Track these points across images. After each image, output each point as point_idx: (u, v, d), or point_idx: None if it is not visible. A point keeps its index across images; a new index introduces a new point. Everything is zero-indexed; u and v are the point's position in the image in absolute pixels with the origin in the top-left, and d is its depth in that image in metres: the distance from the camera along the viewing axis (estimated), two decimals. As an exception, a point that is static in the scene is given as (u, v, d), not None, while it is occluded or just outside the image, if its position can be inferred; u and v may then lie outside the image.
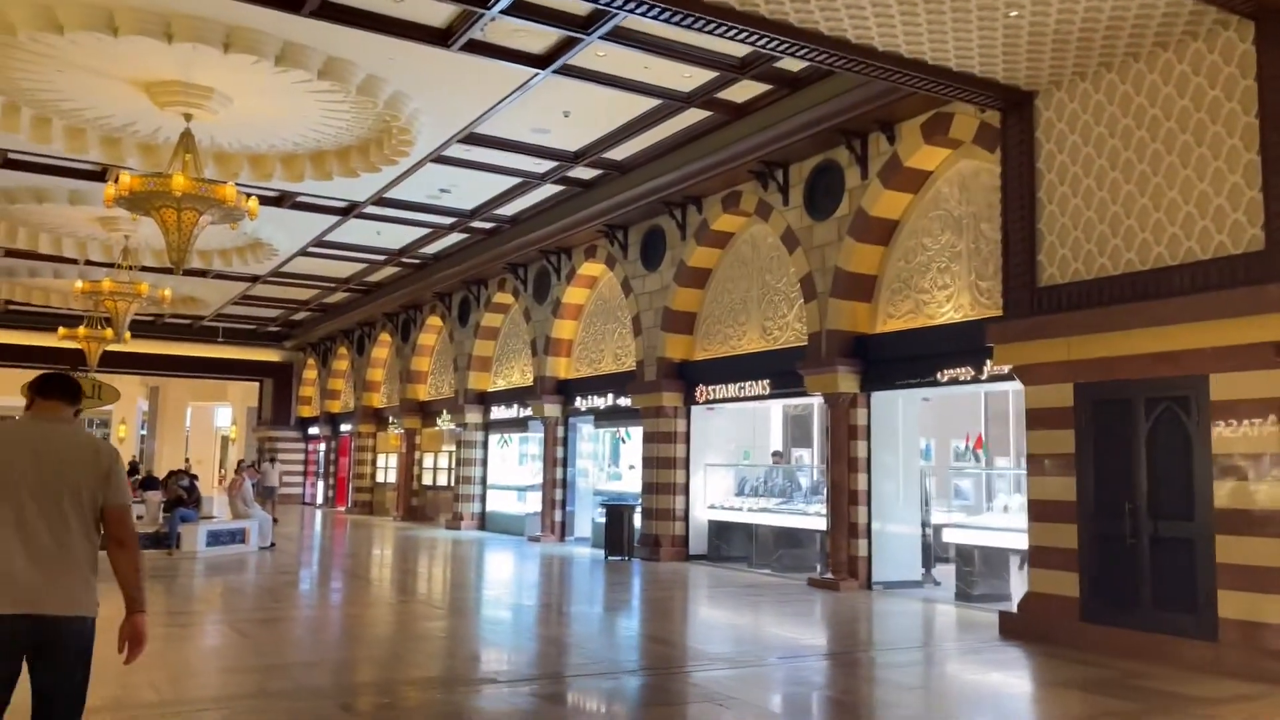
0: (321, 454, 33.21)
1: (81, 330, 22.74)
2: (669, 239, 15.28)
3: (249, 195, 12.44)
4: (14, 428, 3.71)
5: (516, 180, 15.43)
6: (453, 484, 22.98)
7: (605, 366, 17.67)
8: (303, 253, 20.32)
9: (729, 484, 15.26)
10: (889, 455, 11.97)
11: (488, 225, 18.25)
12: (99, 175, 15.11)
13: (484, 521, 21.53)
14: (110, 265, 18.95)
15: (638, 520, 15.28)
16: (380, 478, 28.17)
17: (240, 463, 36.68)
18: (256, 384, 35.32)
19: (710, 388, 14.69)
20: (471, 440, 21.84)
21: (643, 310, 15.79)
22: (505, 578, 13.80)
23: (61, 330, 22.96)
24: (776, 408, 15.82)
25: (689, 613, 10.91)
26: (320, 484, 32.89)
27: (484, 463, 21.85)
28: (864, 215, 11.81)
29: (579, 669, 7.48)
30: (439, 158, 14.04)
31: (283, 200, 16.41)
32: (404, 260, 21.47)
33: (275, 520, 18.66)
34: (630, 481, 17.57)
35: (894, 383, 11.71)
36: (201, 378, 35.25)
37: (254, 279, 23.28)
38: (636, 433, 16.85)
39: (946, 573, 12.54)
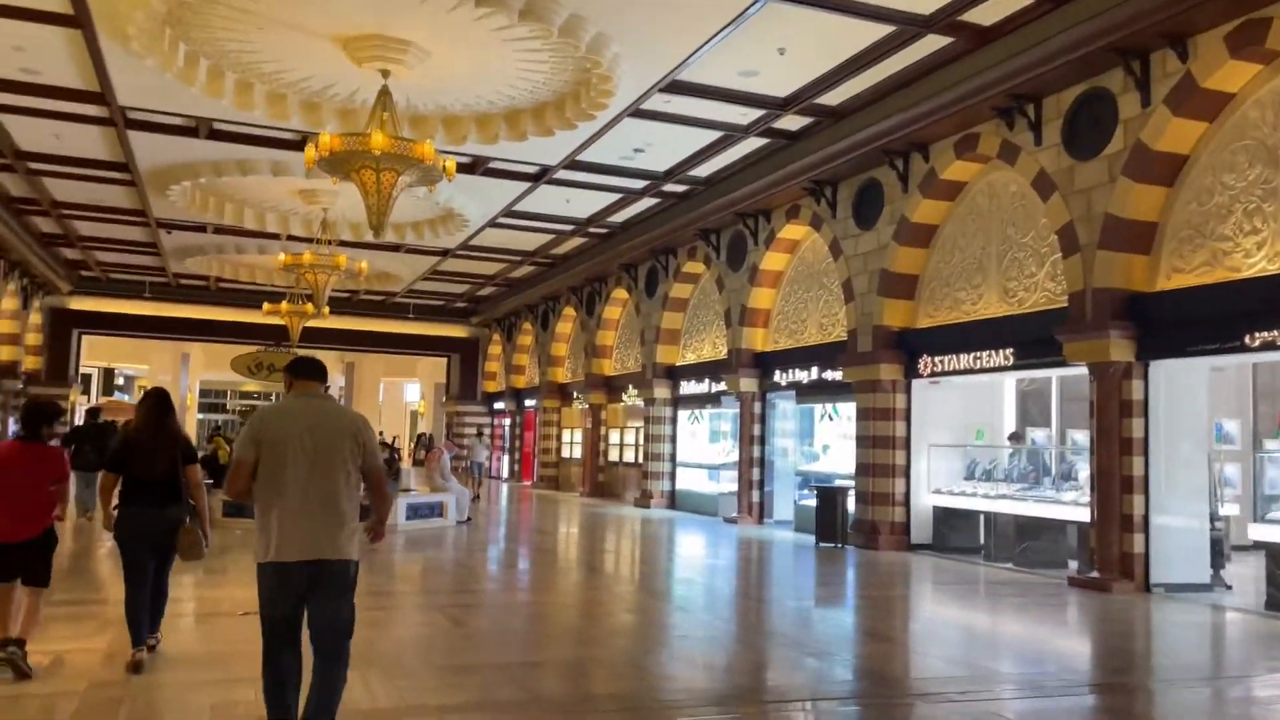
0: (507, 429, 33.45)
1: (284, 305, 23.38)
2: (887, 193, 13.71)
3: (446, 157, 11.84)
4: (288, 406, 4.30)
5: (716, 135, 14.24)
6: (640, 461, 22.25)
7: (808, 337, 16.29)
8: (492, 224, 19.95)
9: (956, 466, 13.61)
10: (1173, 435, 10.06)
11: (680, 188, 17.17)
12: (299, 145, 15.04)
13: (674, 500, 20.66)
14: (310, 240, 19.18)
15: (851, 504, 13.90)
16: (566, 453, 27.89)
17: (421, 436, 37.71)
18: (444, 360, 35.99)
19: (936, 359, 13.07)
20: (660, 416, 20.98)
21: (855, 274, 14.30)
22: (715, 564, 12.74)
23: (266, 306, 23.72)
24: (1009, 382, 13.99)
25: (938, 616, 9.49)
26: (505, 458, 33.13)
27: (673, 439, 20.95)
28: (1144, 151, 9.90)
29: (849, 687, 6.29)
30: (637, 111, 13.04)
31: (475, 166, 15.92)
32: (590, 230, 20.78)
33: (476, 498, 18.40)
34: (833, 461, 16.19)
35: (1183, 349, 9.79)
36: (393, 353, 36.26)
37: (444, 253, 23.26)
38: (845, 410, 15.44)
39: (1237, 575, 10.60)
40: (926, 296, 13.58)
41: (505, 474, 32.84)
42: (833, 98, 12.79)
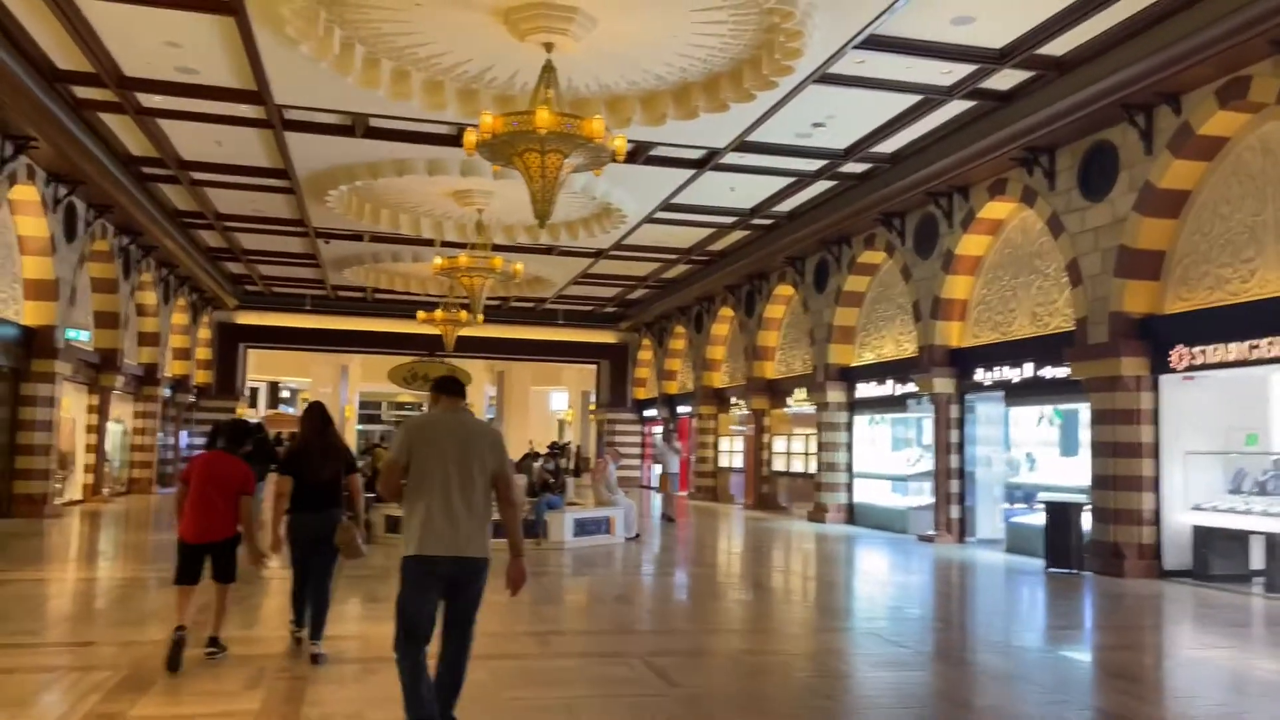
0: (658, 435, 32.27)
1: (439, 314, 22.97)
2: (1124, 156, 11.63)
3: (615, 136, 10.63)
4: (435, 417, 4.78)
5: (912, 101, 12.52)
6: (811, 471, 20.58)
7: (1017, 330, 14.28)
8: (649, 219, 18.76)
9: (1218, 478, 11.40)
10: None
11: (861, 167, 15.47)
12: (455, 140, 14.24)
13: (852, 514, 18.87)
14: (463, 245, 18.49)
15: (1086, 523, 11.87)
16: (724, 462, 26.44)
17: (554, 446, 36.97)
18: (593, 367, 35.21)
19: (1195, 350, 10.92)
20: (834, 422, 19.24)
21: (1082, 253, 12.27)
22: (941, 594, 10.93)
23: (420, 314, 23.38)
24: (1276, 377, 11.63)
25: (1208, 660, 7.50)
26: (657, 467, 31.93)
27: (849, 447, 19.17)
28: None
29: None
30: (824, 76, 11.49)
31: (636, 154, 14.71)
32: (753, 223, 19.30)
33: (669, 519, 16.46)
34: (1050, 472, 14.13)
35: None
36: (543, 360, 35.75)
37: (597, 254, 22.28)
38: (1069, 412, 13.40)
39: None
40: (1178, 276, 11.43)
41: (657, 483, 31.62)
42: (1058, 46, 10.92)
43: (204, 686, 5.71)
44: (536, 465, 15.16)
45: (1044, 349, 13.31)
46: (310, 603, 6.45)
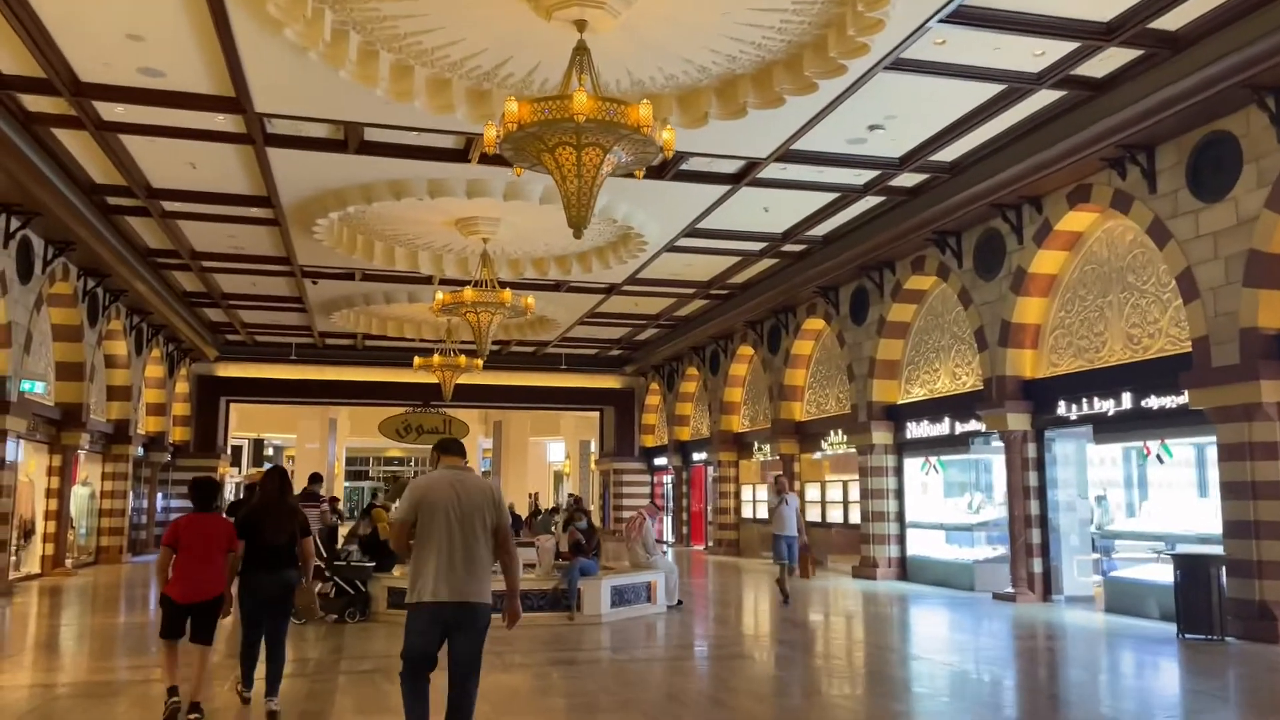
0: (669, 487, 30.34)
1: (436, 359, 21.14)
2: (1246, 150, 10.03)
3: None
4: (439, 476, 5.19)
5: (993, 90, 10.86)
6: (854, 521, 18.70)
7: (1109, 355, 12.55)
8: (670, 247, 17.06)
9: (1382, 522, 9.60)
10: None
11: (916, 178, 13.80)
12: (461, 155, 12.56)
13: (904, 569, 16.96)
14: (464, 283, 16.67)
15: (1224, 580, 10.02)
16: (746, 513, 24.48)
17: (573, 499, 34.97)
18: (595, 414, 33.28)
19: (1354, 369, 9.20)
20: (879, 466, 17.40)
21: (1198, 262, 10.58)
22: (1083, 680, 9.02)
23: (417, 360, 21.51)
24: None
25: None
26: (668, 520, 29.93)
27: (899, 494, 17.32)
28: None
29: None
30: (897, 61, 9.88)
31: (664, 169, 13.06)
32: (783, 249, 17.62)
33: (786, 599, 13.08)
34: (1157, 517, 12.31)
35: None
36: (544, 408, 33.77)
37: (609, 290, 20.53)
38: (1180, 449, 11.64)
39: None
40: (1323, 283, 9.77)
41: (669, 536, 29.61)
42: (1173, 20, 9.35)
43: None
44: (556, 520, 13.22)
45: (1148, 375, 11.59)
46: (267, 662, 6.55)
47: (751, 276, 19.94)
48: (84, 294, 17.24)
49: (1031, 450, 13.76)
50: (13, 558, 15.22)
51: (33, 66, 10.00)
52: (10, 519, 14.74)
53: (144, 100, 10.77)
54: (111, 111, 11.20)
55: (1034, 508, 13.64)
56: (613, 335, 27.03)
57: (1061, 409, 13.07)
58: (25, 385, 14.75)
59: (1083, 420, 12.77)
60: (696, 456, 27.46)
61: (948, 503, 16.87)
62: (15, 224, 13.64)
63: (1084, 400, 12.66)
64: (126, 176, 13.30)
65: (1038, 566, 13.45)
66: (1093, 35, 9.51)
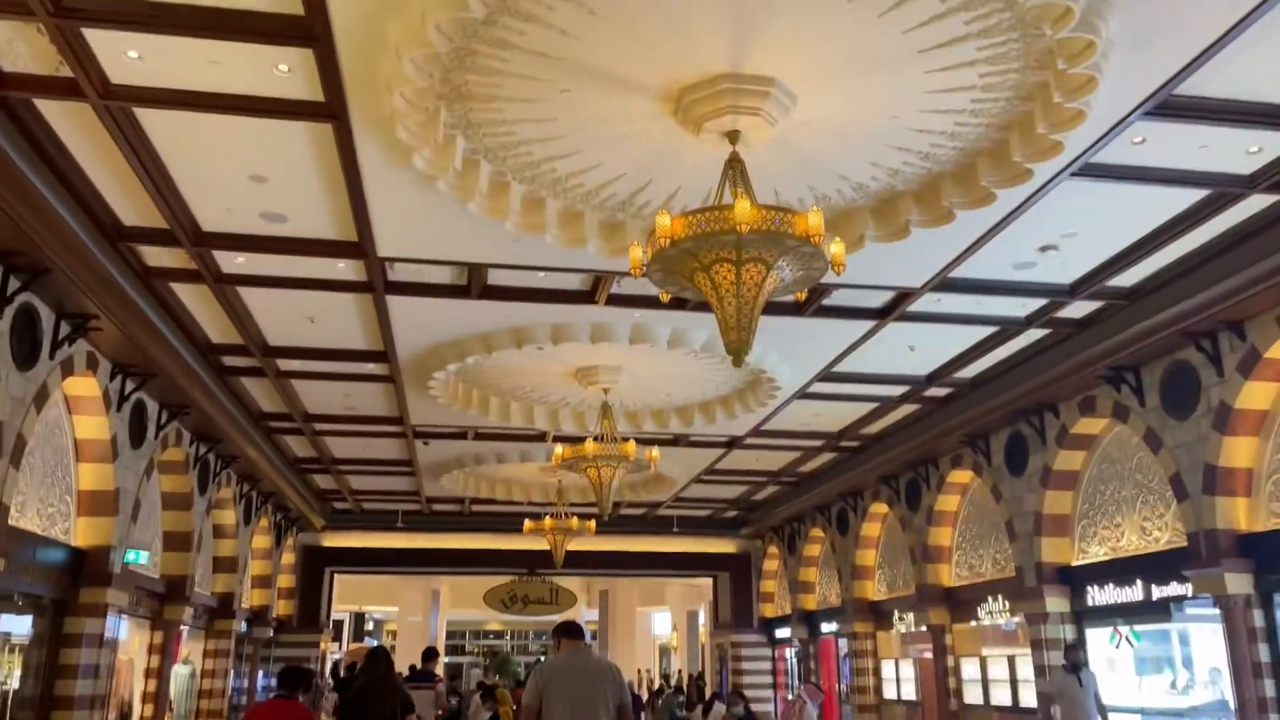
0: (792, 662, 27.73)
1: (548, 521, 19.97)
2: None
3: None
4: (562, 659, 6.08)
5: (1197, 196, 9.54)
6: (1024, 703, 16.18)
7: (1355, 500, 10.53)
8: (801, 393, 15.78)
9: None
10: None
11: (1090, 306, 12.31)
12: (586, 296, 11.76)
13: (1099, 763, 14.30)
14: (580, 439, 15.58)
15: None
16: (888, 692, 21.84)
17: (695, 678, 32.37)
18: (708, 581, 31.22)
19: None
20: (1054, 638, 15.09)
21: None
22: None
23: (528, 524, 20.38)
24: None
25: None
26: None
27: (1083, 671, 14.86)
28: None
29: None
30: (1085, 167, 8.70)
31: (805, 305, 11.99)
32: (925, 394, 16.14)
33: None
34: None
35: None
36: (654, 574, 31.93)
37: (729, 443, 19.21)
38: None
39: None
40: None
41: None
42: None
43: None
44: (680, 701, 11.47)
45: None
46: None
47: (886, 426, 18.39)
48: (195, 460, 16.80)
49: (1259, 618, 11.51)
50: (105, 745, 14.07)
51: (154, 216, 9.68)
52: (108, 702, 13.72)
53: (264, 248, 10.34)
54: (232, 262, 10.81)
55: (1269, 689, 11.26)
56: (728, 495, 25.45)
57: (1298, 567, 10.94)
58: (130, 556, 14.03)
59: (1330, 580, 10.61)
60: (825, 627, 25.05)
61: (1143, 681, 14.36)
62: (130, 385, 13.28)
63: (1329, 556, 10.55)
64: (244, 333, 12.91)
65: (1288, 765, 10.94)
66: (1328, 120, 8.23)
